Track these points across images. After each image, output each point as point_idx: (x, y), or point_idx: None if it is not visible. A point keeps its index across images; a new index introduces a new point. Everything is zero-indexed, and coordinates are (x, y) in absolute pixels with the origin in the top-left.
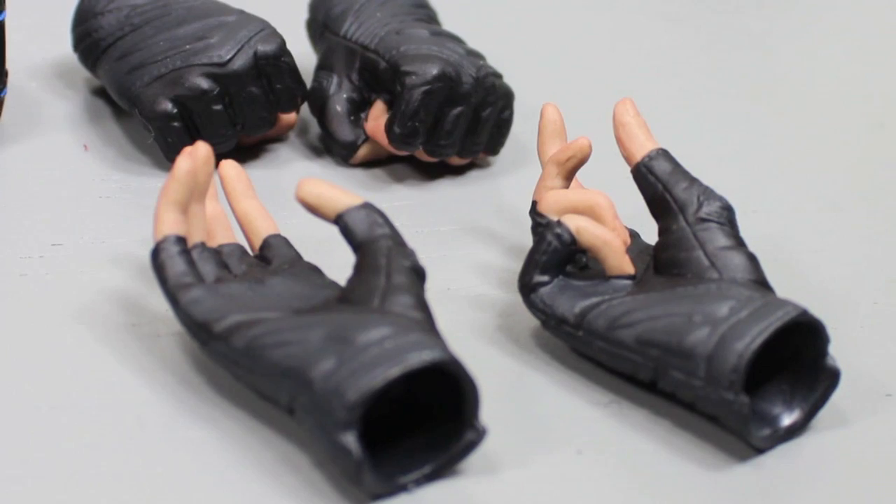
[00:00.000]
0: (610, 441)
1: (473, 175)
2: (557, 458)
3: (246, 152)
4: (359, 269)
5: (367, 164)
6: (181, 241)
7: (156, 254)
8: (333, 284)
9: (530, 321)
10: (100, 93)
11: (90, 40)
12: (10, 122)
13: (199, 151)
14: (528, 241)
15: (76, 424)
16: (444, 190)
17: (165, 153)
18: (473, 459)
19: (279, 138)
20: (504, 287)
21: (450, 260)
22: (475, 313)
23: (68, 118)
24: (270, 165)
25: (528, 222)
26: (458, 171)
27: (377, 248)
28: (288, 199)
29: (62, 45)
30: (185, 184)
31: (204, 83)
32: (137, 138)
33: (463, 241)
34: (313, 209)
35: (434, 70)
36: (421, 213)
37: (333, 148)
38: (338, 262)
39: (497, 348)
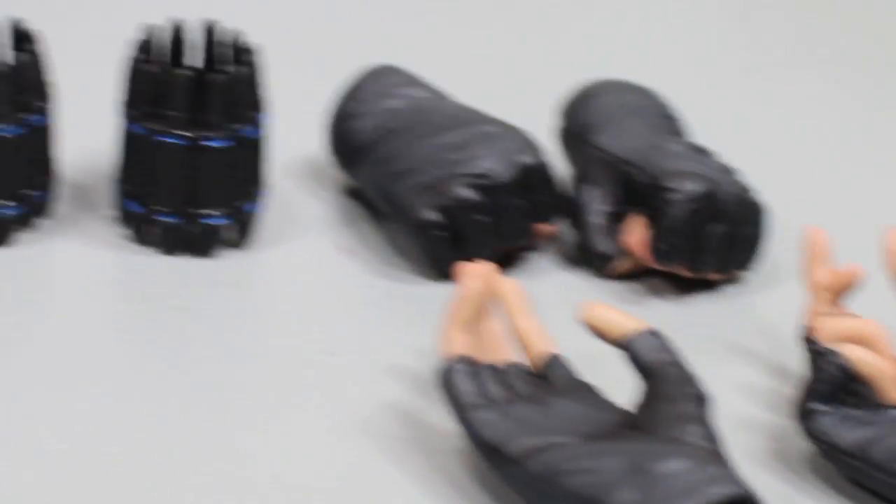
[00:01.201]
0: None
1: (728, 291)
2: None
3: (502, 261)
4: (648, 395)
5: (621, 276)
6: (470, 361)
7: (446, 374)
8: (614, 407)
9: (803, 446)
10: (352, 194)
11: (348, 143)
12: (267, 224)
13: (486, 271)
14: (789, 362)
15: None
16: (701, 306)
17: (429, 262)
18: None
19: (535, 247)
20: (772, 409)
21: (714, 380)
22: (746, 436)
23: (324, 220)
24: (527, 275)
25: (788, 342)
26: (712, 285)
27: (665, 375)
28: (545, 308)
29: (311, 143)
30: (476, 304)
31: (470, 194)
32: (395, 243)
33: (725, 360)
34: (599, 332)
35: (698, 187)
36: (680, 329)
37: (590, 259)
38: (604, 379)
39: (771, 474)
